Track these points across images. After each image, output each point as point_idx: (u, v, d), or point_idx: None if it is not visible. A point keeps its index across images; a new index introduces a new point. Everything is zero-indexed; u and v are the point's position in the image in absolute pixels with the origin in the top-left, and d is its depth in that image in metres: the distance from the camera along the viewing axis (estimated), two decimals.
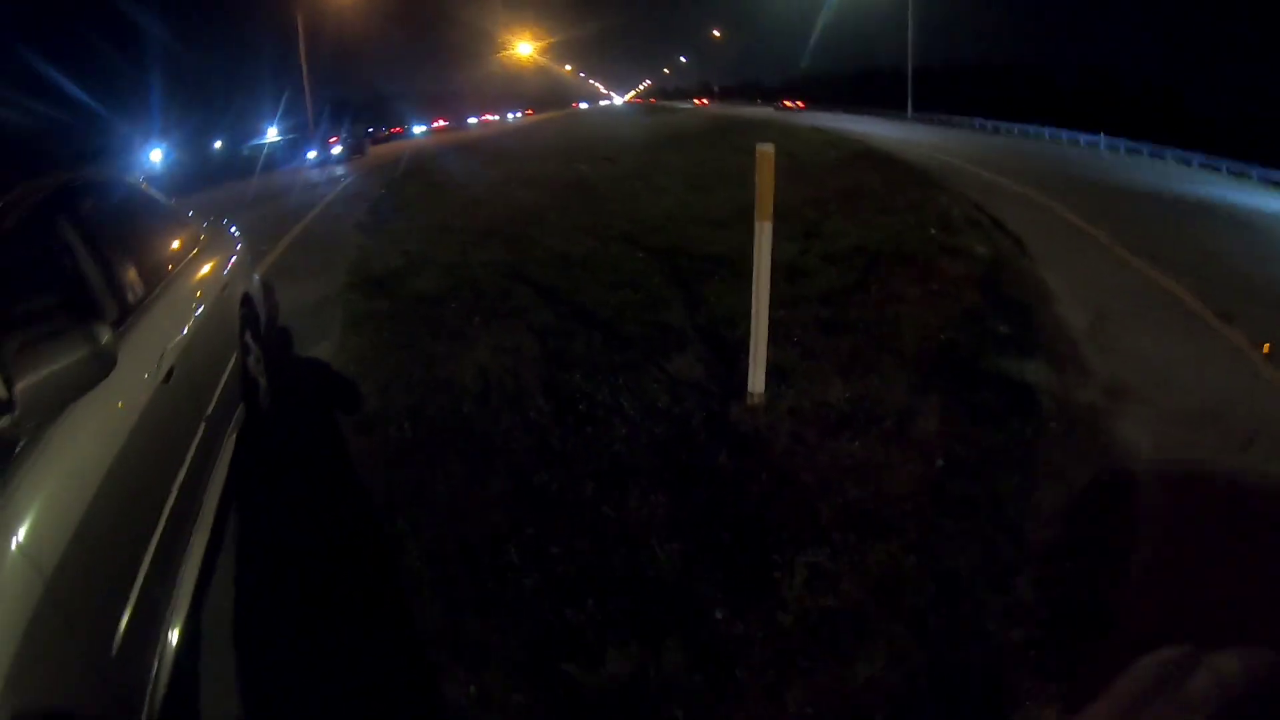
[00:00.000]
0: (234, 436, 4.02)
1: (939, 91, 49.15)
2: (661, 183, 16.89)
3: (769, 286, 4.72)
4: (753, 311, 4.73)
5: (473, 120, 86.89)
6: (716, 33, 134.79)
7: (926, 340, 6.12)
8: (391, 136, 61.18)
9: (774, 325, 4.92)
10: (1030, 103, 39.69)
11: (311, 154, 37.82)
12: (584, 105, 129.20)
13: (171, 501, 2.80)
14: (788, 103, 71.95)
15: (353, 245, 11.23)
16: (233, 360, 4.27)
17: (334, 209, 16.55)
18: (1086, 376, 5.66)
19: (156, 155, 44.33)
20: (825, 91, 74.29)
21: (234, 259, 5.26)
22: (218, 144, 53.04)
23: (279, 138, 44.54)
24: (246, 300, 5.04)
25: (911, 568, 3.36)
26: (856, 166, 18.28)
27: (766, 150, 4.64)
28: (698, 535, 3.58)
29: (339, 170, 29.69)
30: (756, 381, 4.84)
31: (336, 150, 38.72)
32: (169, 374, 3.04)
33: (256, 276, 6.07)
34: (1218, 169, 25.43)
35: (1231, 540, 3.63)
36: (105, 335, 2.25)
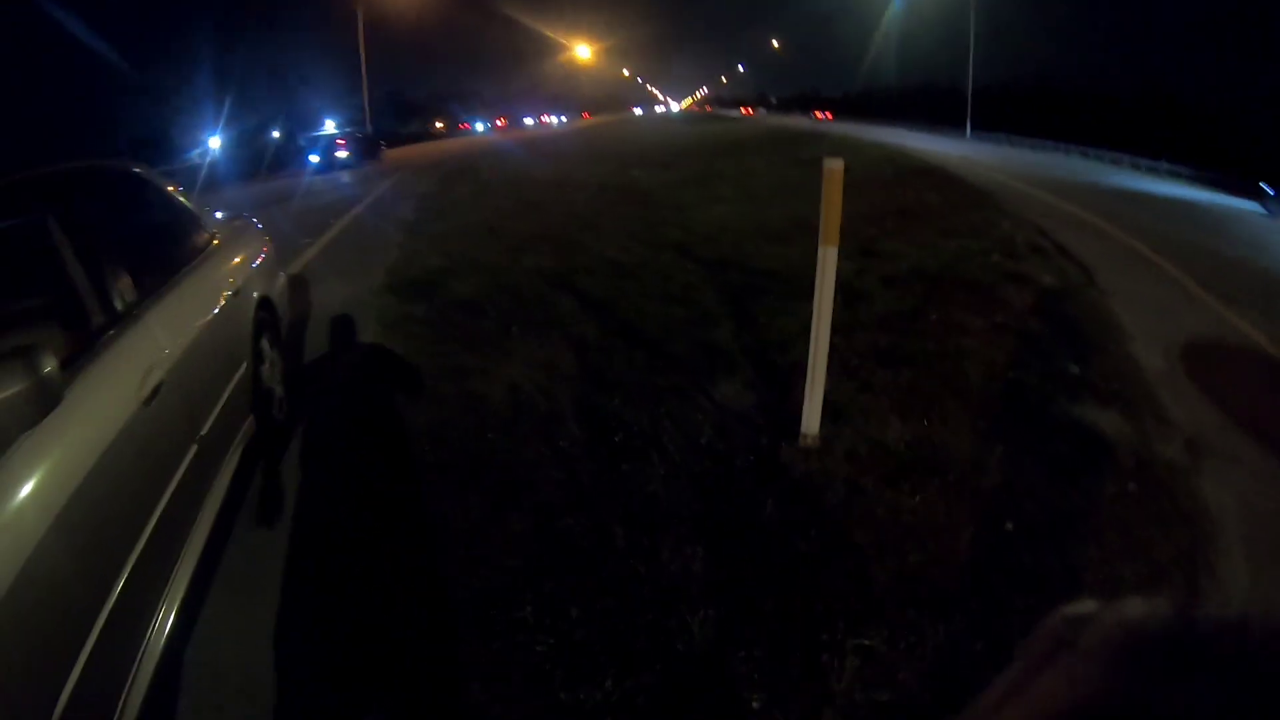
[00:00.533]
0: (238, 454, 3.73)
1: (997, 112, 48.28)
2: (716, 191, 16.52)
3: (830, 319, 4.32)
4: (811, 346, 4.33)
5: (529, 121, 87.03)
6: (775, 43, 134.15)
7: (991, 378, 5.71)
8: (430, 136, 60.71)
9: (829, 353, 4.53)
10: (1091, 125, 38.76)
11: (314, 158, 32.44)
12: (638, 111, 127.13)
13: (147, 535, 2.49)
14: (819, 114, 75.12)
15: (394, 245, 10.98)
16: (242, 370, 3.99)
17: (384, 202, 16.37)
18: (1169, 428, 5.24)
19: (216, 142, 45.13)
20: (884, 106, 73.55)
21: (255, 259, 4.99)
22: (275, 134, 53.70)
23: (336, 130, 44.67)
24: (265, 304, 4.77)
25: (977, 656, 2.98)
26: (914, 184, 17.78)
27: (835, 167, 4.16)
28: (737, 601, 3.19)
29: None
30: (811, 421, 4.43)
31: (343, 155, 32.84)
32: (155, 391, 2.73)
33: (283, 276, 5.81)
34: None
35: None
36: (48, 365, 1.94)
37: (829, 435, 4.52)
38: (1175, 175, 29.99)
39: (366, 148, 35.11)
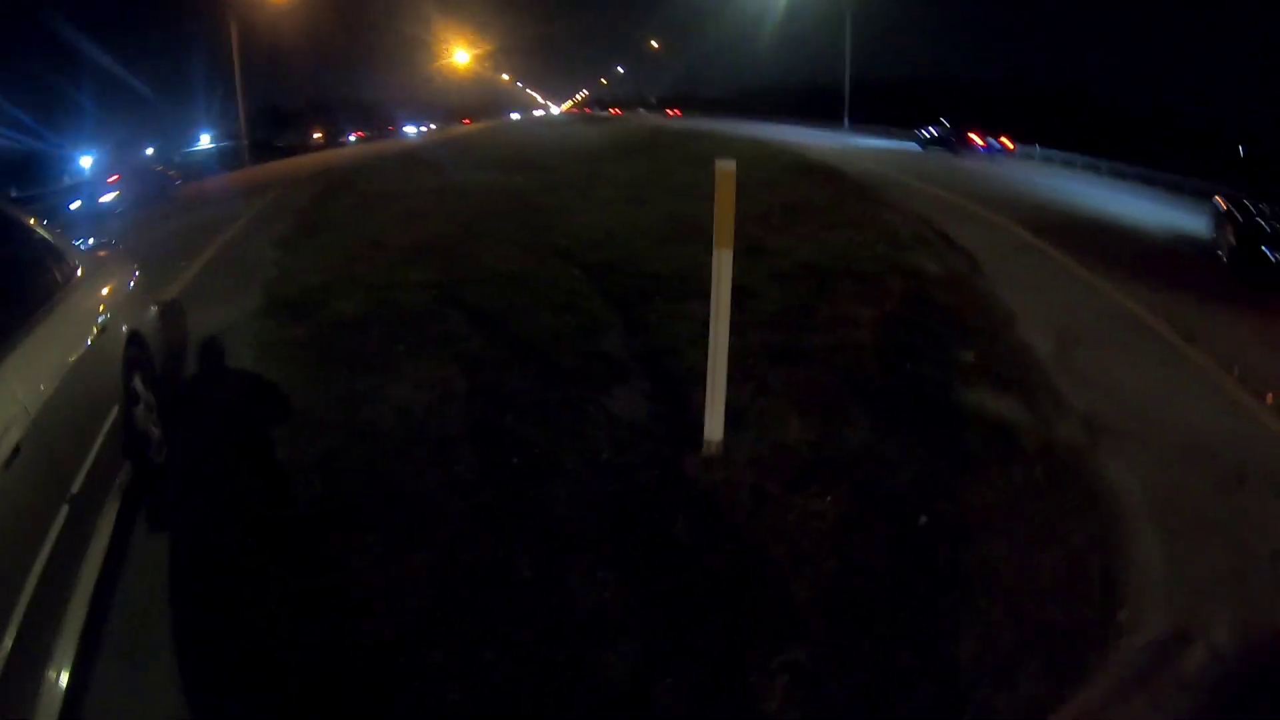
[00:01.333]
0: (116, 505, 3.40)
1: (875, 106, 49.48)
2: (599, 195, 16.34)
3: (728, 324, 4.15)
4: (710, 352, 4.16)
5: (411, 130, 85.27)
6: (654, 44, 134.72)
7: (887, 370, 5.66)
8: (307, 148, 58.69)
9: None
10: (966, 113, 39.99)
11: (75, 204, 22.01)
12: (515, 116, 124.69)
13: (20, 615, 2.22)
14: (669, 111, 79.06)
15: (270, 263, 10.44)
16: (113, 415, 3.63)
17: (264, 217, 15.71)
18: (1063, 410, 5.25)
19: (87, 161, 43.03)
20: (766, 103, 74.64)
21: (121, 291, 4.59)
22: (150, 150, 51.71)
23: (213, 145, 42.92)
24: (136, 340, 4.38)
25: (905, 666, 2.84)
26: (797, 179, 17.90)
27: (727, 168, 3.99)
28: (657, 626, 3.02)
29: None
30: (713, 429, 4.27)
31: (109, 198, 23.15)
32: (14, 453, 2.40)
33: (154, 309, 5.39)
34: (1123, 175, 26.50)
35: None
36: None
37: (731, 442, 4.38)
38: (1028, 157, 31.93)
39: (157, 185, 27.62)
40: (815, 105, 58.67)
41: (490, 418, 4.88)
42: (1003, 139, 34.08)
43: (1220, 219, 12.40)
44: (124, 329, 4.23)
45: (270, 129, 60.87)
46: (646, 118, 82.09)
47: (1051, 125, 35.59)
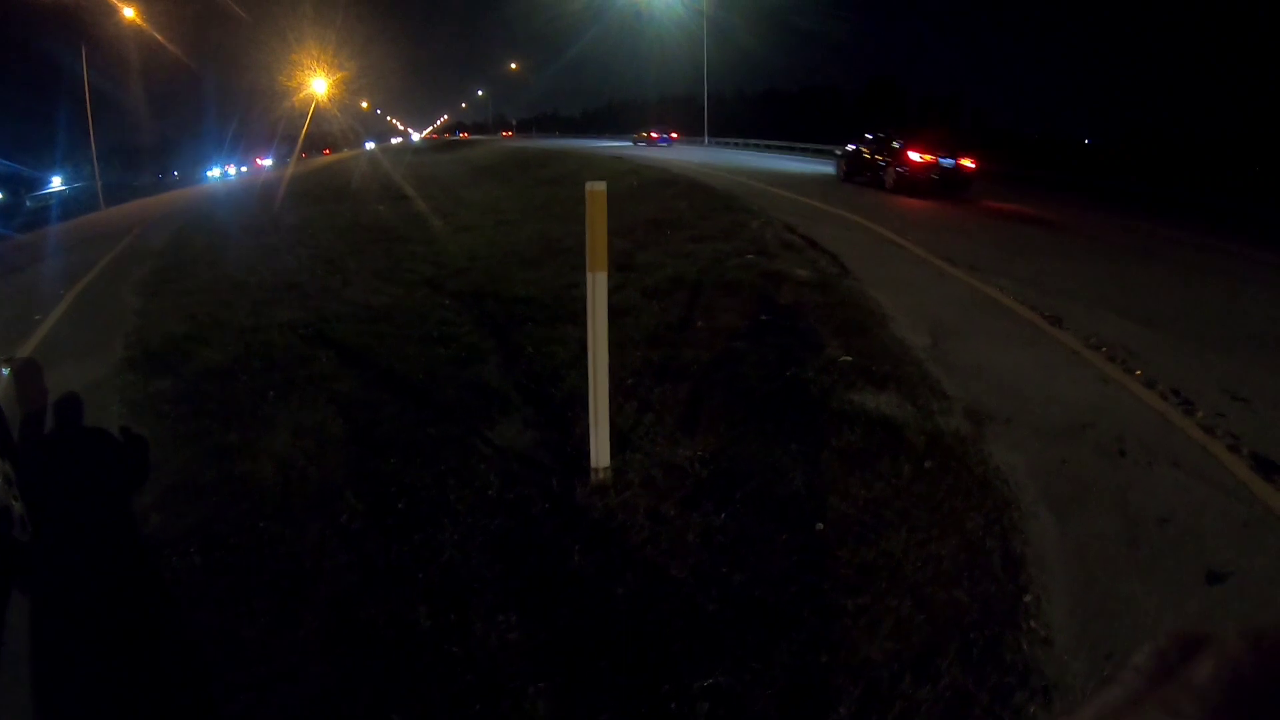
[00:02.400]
0: None
1: (734, 117, 50.53)
2: (463, 220, 16.15)
3: (606, 346, 4.07)
4: (590, 377, 4.06)
5: (264, 162, 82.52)
6: (514, 65, 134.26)
7: (768, 379, 5.65)
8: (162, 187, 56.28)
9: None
10: (821, 121, 41.25)
11: None
12: (369, 144, 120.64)
13: None
14: (504, 134, 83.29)
15: (130, 310, 9.86)
16: None
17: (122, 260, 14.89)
18: (946, 400, 5.34)
19: None
20: (626, 120, 75.38)
21: None
22: None
23: (64, 187, 40.83)
24: None
25: (825, 667, 2.78)
26: (661, 193, 17.99)
27: (597, 189, 3.89)
28: (567, 665, 2.91)
29: None
30: (600, 454, 4.18)
31: None
32: None
33: (4, 371, 4.99)
34: None
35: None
36: None
37: (621, 465, 4.31)
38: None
39: None
40: (672, 119, 59.50)
41: (372, 463, 4.67)
42: (672, 134, 47.38)
43: (839, 159, 22.69)
44: None
45: (124, 168, 58.35)
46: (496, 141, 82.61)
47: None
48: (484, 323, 7.64)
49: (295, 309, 8.89)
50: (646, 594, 3.31)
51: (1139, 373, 5.98)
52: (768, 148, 41.05)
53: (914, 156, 18.38)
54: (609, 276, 4.10)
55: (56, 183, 44.65)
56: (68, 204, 36.41)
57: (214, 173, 67.29)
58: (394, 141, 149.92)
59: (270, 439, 5.13)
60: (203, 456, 4.98)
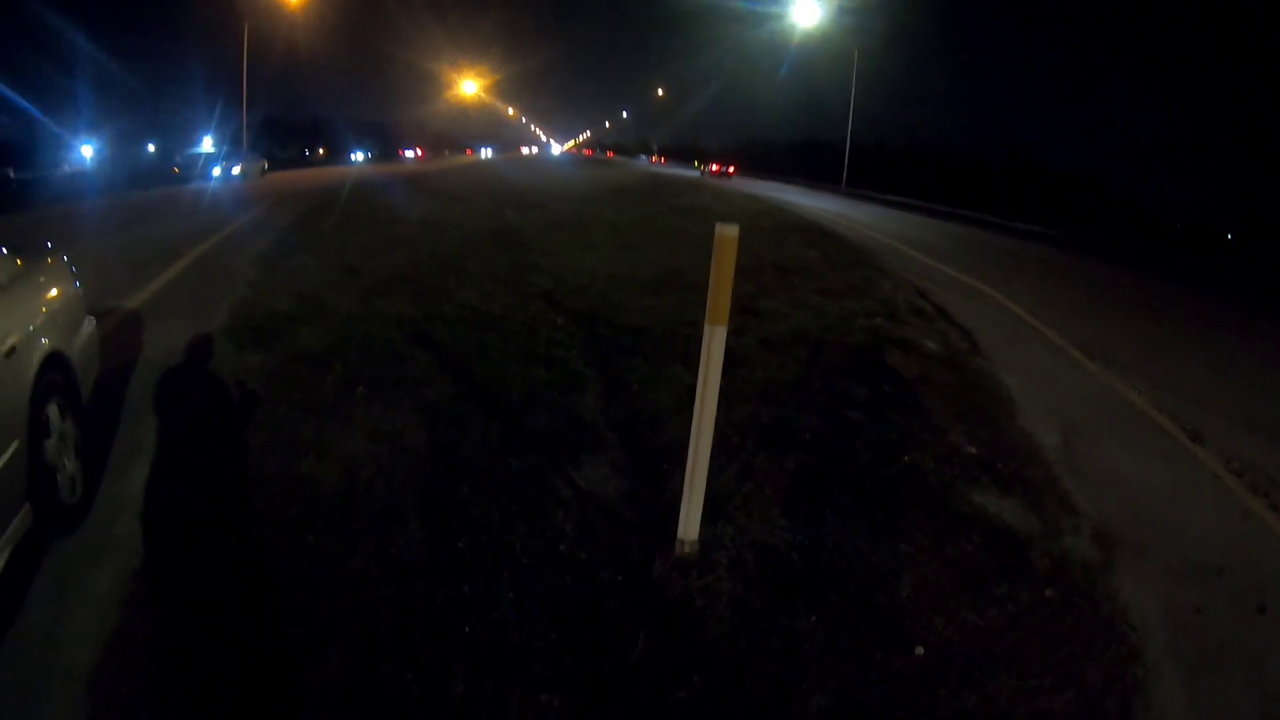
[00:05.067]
0: (4, 558, 2.92)
1: (874, 169, 49.76)
2: (590, 238, 15.96)
3: (715, 410, 3.64)
4: (692, 441, 3.64)
5: (409, 154, 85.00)
6: (660, 91, 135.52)
7: (884, 461, 5.18)
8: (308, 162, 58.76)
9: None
10: (960, 184, 40.46)
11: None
12: (487, 152, 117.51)
13: None
14: (657, 159, 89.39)
15: (243, 281, 9.93)
16: (11, 450, 3.13)
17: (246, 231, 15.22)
18: (1075, 517, 4.79)
19: (88, 151, 43.09)
20: (765, 160, 75.09)
21: (41, 306, 4.07)
22: (151, 147, 51.70)
23: (213, 148, 42.69)
24: (54, 362, 3.89)
25: None
26: (792, 239, 17.58)
27: (729, 233, 3.47)
28: None
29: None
30: (690, 525, 3.74)
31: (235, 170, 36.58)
32: None
33: (90, 324, 4.88)
34: None
35: None
36: None
37: (709, 539, 3.87)
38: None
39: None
40: (812, 163, 59.21)
41: (442, 487, 4.34)
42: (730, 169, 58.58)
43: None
44: (38, 352, 3.72)
45: (272, 140, 60.89)
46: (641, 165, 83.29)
47: None
48: (592, 348, 7.30)
49: (404, 304, 8.74)
50: (713, 703, 2.88)
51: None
52: (900, 204, 40.31)
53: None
54: (730, 320, 3.70)
55: (208, 143, 46.57)
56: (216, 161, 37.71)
57: (357, 157, 69.42)
58: (525, 151, 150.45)
59: (345, 441, 4.88)
60: (273, 445, 4.76)
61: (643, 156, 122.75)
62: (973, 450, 5.55)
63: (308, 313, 8.09)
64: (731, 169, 67.34)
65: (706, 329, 3.56)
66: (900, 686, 3.09)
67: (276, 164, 47.19)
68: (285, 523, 3.89)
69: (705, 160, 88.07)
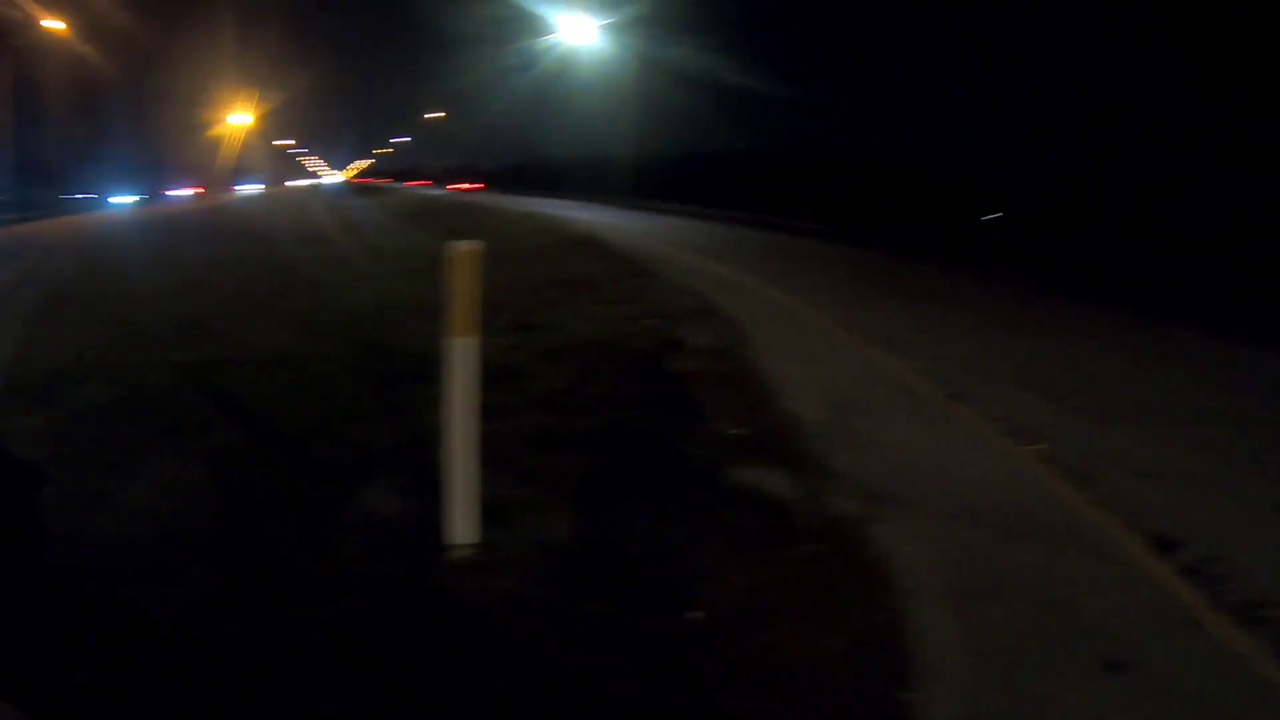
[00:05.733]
0: None
1: (661, 179, 50.49)
2: (372, 268, 15.81)
3: (475, 419, 3.86)
4: (448, 447, 3.84)
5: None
6: (442, 114, 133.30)
7: (659, 452, 5.52)
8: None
9: (487, 442, 4.07)
10: (740, 186, 41.89)
11: None
12: (255, 188, 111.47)
13: None
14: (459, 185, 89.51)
15: (9, 339, 9.33)
16: None
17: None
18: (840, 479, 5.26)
19: None
20: (543, 176, 75.33)
21: None
22: None
23: None
24: None
25: None
26: (571, 254, 17.97)
27: (466, 251, 3.71)
28: None
29: None
30: (463, 530, 3.91)
31: None
32: None
33: None
34: None
35: None
36: None
37: (489, 542, 4.04)
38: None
39: None
40: (590, 178, 59.58)
41: (230, 521, 4.40)
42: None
43: None
44: None
45: (38, 183, 55.96)
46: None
47: None
48: (380, 376, 7.40)
49: (187, 350, 8.50)
50: (496, 694, 3.05)
51: None
52: (681, 212, 41.38)
53: None
54: (506, 336, 3.92)
55: None
56: None
57: (120, 199, 64.90)
58: (298, 182, 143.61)
59: (131, 491, 4.80)
60: (60, 501, 4.62)
61: (401, 182, 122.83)
62: (741, 432, 5.95)
63: (88, 367, 7.73)
64: (469, 185, 69.55)
65: (449, 342, 3.80)
66: (680, 650, 3.35)
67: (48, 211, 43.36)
68: (75, 573, 3.84)
69: (454, 179, 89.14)
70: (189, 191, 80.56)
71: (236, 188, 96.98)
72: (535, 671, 3.19)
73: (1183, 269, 18.94)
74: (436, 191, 74.52)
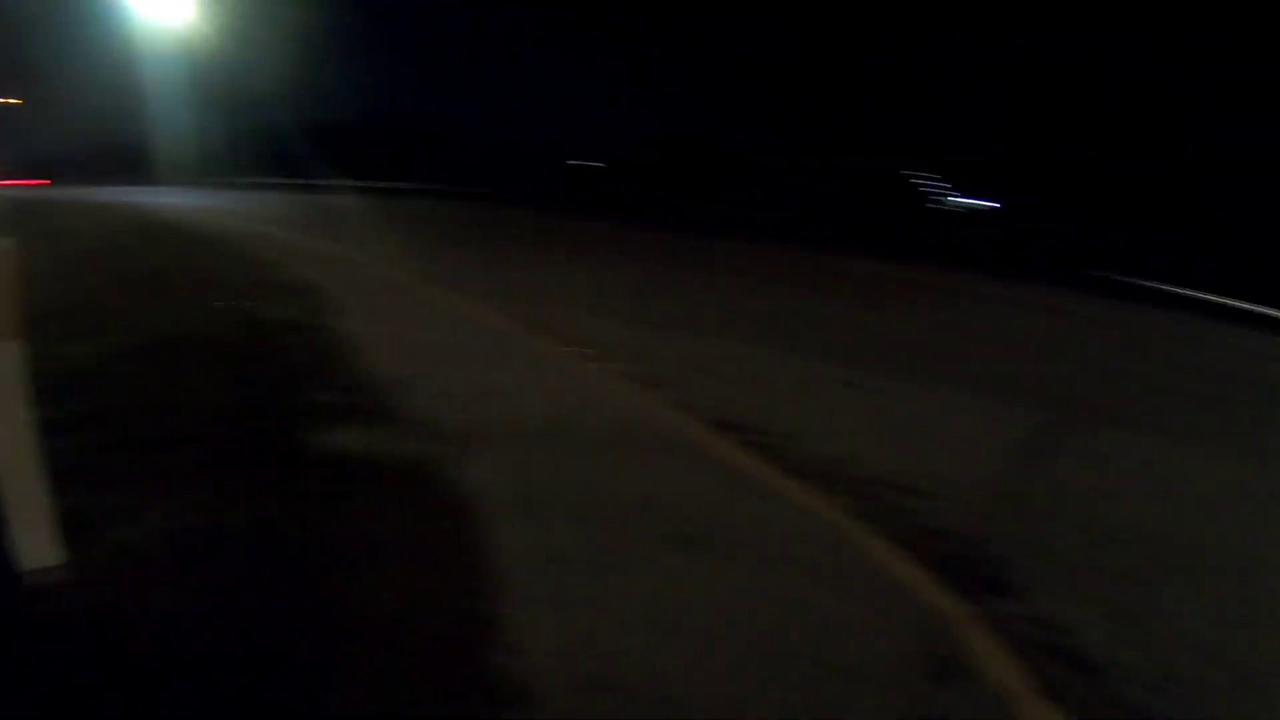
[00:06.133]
0: None
1: (255, 156, 47.56)
2: None
3: (28, 431, 3.61)
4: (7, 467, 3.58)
5: None
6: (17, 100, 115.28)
7: (246, 432, 5.61)
8: None
9: (60, 454, 4.02)
10: (343, 154, 41.01)
11: None
12: None
13: None
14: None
15: None
16: None
17: None
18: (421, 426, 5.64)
19: None
20: (139, 161, 68.11)
21: None
22: None
23: None
24: None
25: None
26: (153, 245, 16.85)
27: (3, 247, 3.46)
28: None
29: None
30: (41, 551, 3.62)
31: None
32: None
33: None
34: None
35: None
36: None
37: (74, 560, 3.76)
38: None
39: None
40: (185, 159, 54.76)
41: None
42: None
43: None
44: None
45: None
46: None
47: None
48: None
49: None
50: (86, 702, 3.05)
51: None
52: (266, 185, 39.74)
53: None
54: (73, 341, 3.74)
55: None
56: None
57: None
58: None
59: None
60: None
61: None
62: (326, 397, 6.17)
63: None
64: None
65: None
66: (290, 618, 3.51)
67: None
68: None
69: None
70: None
71: None
72: (132, 677, 3.18)
73: None
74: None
